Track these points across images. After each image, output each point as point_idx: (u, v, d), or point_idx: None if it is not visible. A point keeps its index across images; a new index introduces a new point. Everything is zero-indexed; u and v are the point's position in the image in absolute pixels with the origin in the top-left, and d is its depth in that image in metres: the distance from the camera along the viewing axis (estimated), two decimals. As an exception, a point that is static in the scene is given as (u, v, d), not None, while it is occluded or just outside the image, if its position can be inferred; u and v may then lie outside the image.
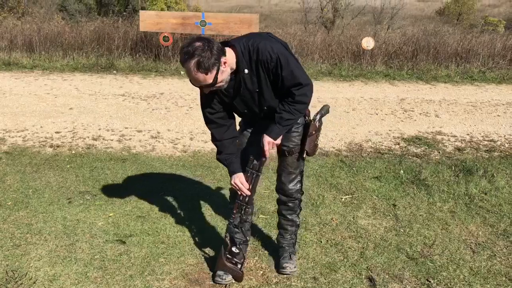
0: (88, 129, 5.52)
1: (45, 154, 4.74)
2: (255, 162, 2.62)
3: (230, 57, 2.32)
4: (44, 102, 6.56)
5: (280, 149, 2.71)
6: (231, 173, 2.64)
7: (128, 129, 5.56)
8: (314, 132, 2.66)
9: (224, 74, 2.30)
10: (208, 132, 5.52)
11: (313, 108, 2.72)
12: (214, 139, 2.66)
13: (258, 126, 2.67)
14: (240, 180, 2.61)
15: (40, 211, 3.52)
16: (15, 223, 3.32)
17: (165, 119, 6.02)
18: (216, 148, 2.67)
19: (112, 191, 3.93)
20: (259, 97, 2.47)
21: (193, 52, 2.18)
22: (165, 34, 9.36)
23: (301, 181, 2.82)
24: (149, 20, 9.51)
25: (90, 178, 4.19)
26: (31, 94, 6.97)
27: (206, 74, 2.22)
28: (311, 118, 2.68)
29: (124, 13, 16.42)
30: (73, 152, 4.83)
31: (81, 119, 5.86)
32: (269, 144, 2.53)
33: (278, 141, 2.58)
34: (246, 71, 2.37)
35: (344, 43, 10.64)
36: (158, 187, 4.05)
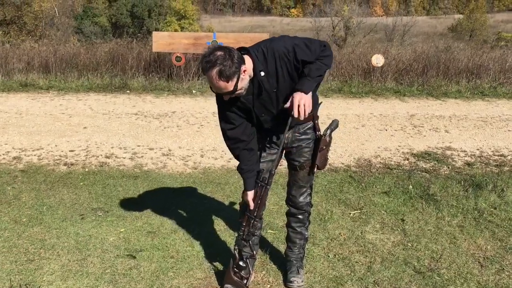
0: (101, 147, 5.64)
1: (59, 172, 4.86)
2: (264, 175, 2.70)
3: (248, 64, 2.41)
4: (59, 121, 6.72)
5: (291, 164, 2.79)
6: (245, 189, 2.71)
7: (140, 147, 5.66)
8: (324, 147, 2.72)
9: (244, 82, 2.39)
10: (219, 148, 5.62)
11: (323, 124, 2.78)
12: (234, 154, 2.72)
13: (269, 140, 2.74)
14: (251, 196, 2.69)
15: (53, 227, 3.60)
16: (29, 239, 3.41)
17: (177, 136, 6.12)
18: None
19: (123, 207, 4.01)
20: (277, 95, 2.53)
21: (215, 61, 2.27)
22: (178, 54, 9.54)
23: (310, 194, 2.88)
24: (161, 41, 9.71)
25: (102, 195, 4.28)
26: (46, 114, 7.14)
27: (227, 82, 2.31)
28: (322, 133, 2.74)
29: (139, 34, 16.78)
30: (87, 170, 4.94)
31: (95, 137, 5.99)
32: (301, 100, 2.40)
33: (309, 97, 2.46)
34: (262, 73, 2.45)
35: (354, 60, 10.71)
36: (168, 203, 4.12)
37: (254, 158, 2.70)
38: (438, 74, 10.23)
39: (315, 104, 2.76)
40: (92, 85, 9.39)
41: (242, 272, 2.80)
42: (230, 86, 2.34)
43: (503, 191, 4.40)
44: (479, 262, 3.22)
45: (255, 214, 2.73)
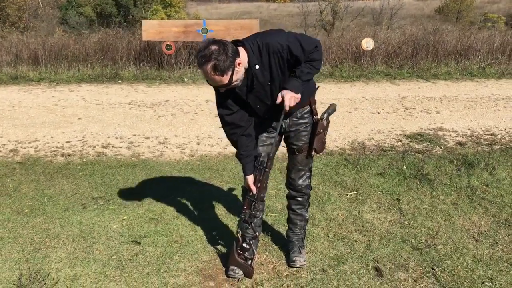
0: (97, 137, 5.66)
1: (57, 163, 4.88)
2: (263, 159, 2.76)
3: (243, 57, 2.46)
4: (53, 113, 6.72)
5: (290, 148, 2.86)
6: (244, 174, 2.77)
7: (136, 136, 5.70)
8: (322, 130, 2.80)
9: (239, 74, 2.45)
10: (214, 135, 5.67)
11: (320, 107, 2.85)
12: (232, 140, 2.77)
13: (267, 125, 2.80)
14: (251, 180, 2.75)
15: (56, 217, 3.65)
16: (33, 229, 3.46)
17: (172, 125, 6.16)
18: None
19: (124, 195, 4.06)
20: (271, 88, 2.60)
21: (210, 56, 2.32)
22: (168, 43, 9.52)
23: (309, 177, 2.96)
24: (151, 29, 9.67)
25: (102, 184, 4.32)
26: (39, 106, 7.13)
27: (222, 76, 2.37)
28: (319, 117, 2.81)
29: (125, 23, 16.62)
30: (84, 160, 4.97)
31: (90, 128, 6.01)
32: (291, 99, 2.54)
33: (298, 96, 2.59)
34: (257, 66, 2.50)
35: (344, 44, 10.76)
36: (168, 190, 4.17)
37: (252, 143, 2.76)
38: (428, 56, 10.32)
39: (312, 91, 2.83)
40: (83, 76, 9.36)
41: (246, 253, 2.87)
42: (225, 79, 2.40)
43: (494, 169, 4.51)
44: (473, 237, 3.33)
45: (255, 197, 2.80)
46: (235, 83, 2.46)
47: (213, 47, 2.34)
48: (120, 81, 9.02)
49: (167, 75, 9.36)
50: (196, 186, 4.30)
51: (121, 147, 5.35)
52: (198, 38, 9.64)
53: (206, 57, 2.33)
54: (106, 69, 9.62)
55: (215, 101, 2.74)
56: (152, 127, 6.06)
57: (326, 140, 2.95)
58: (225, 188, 4.25)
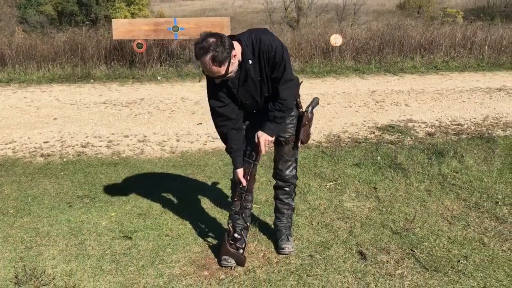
0: (75, 137, 5.66)
1: (37, 164, 4.88)
2: (252, 153, 2.89)
3: (237, 50, 2.58)
4: (27, 114, 6.65)
5: (277, 140, 2.99)
6: (234, 167, 2.89)
7: (114, 135, 5.73)
8: (307, 122, 2.95)
9: (234, 66, 2.57)
10: (193, 132, 5.74)
11: (304, 101, 3.00)
12: (221, 133, 2.86)
13: (255, 119, 2.92)
14: (240, 173, 2.87)
15: (43, 216, 3.68)
16: (22, 228, 3.48)
17: (150, 123, 6.20)
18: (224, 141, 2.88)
19: (109, 193, 4.11)
20: (261, 85, 2.73)
21: (208, 48, 2.43)
22: (139, 41, 9.51)
23: (296, 168, 3.10)
24: (122, 28, 9.62)
25: (85, 183, 4.36)
26: (12, 107, 7.04)
27: (220, 66, 2.48)
28: (304, 110, 2.95)
29: (87, 22, 16.38)
30: (65, 160, 4.98)
31: (67, 128, 5.99)
32: (265, 142, 2.78)
33: (272, 138, 2.84)
34: (250, 61, 2.63)
35: (313, 41, 10.98)
36: (152, 186, 4.25)
37: (242, 137, 2.88)
38: (394, 51, 10.67)
39: (296, 85, 2.98)
40: (54, 76, 9.25)
41: (238, 243, 3.00)
42: (222, 70, 2.51)
43: (462, 157, 4.78)
44: (447, 220, 3.56)
45: (246, 189, 2.92)
46: (230, 74, 2.57)
47: (211, 40, 2.45)
48: (92, 81, 8.96)
49: (140, 73, 9.37)
50: (179, 182, 4.39)
51: (100, 146, 5.37)
52: (169, 36, 9.67)
53: (205, 48, 2.44)
54: (77, 69, 9.54)
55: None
56: (130, 126, 6.09)
57: (311, 131, 3.11)
58: (209, 182, 4.36)
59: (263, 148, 2.78)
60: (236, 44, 2.59)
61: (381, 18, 21.03)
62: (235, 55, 2.55)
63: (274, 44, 2.62)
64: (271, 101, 2.78)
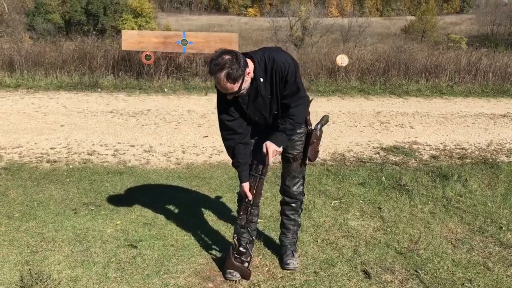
0: (82, 144, 5.70)
1: (43, 169, 4.90)
2: (259, 166, 2.91)
3: (250, 68, 2.63)
4: (34, 120, 6.70)
5: (284, 156, 3.02)
6: (240, 181, 2.91)
7: (121, 144, 5.76)
8: (315, 140, 2.99)
9: (247, 83, 2.62)
10: (199, 145, 5.78)
11: (313, 119, 3.04)
12: (228, 146, 2.88)
13: (263, 135, 2.95)
14: (247, 187, 2.89)
15: (49, 221, 3.69)
16: (27, 233, 3.49)
17: (156, 134, 6.24)
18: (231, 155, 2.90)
19: (115, 201, 4.13)
20: (271, 102, 2.77)
21: (224, 64, 2.48)
22: (147, 53, 9.60)
23: (303, 184, 3.13)
24: (131, 39, 9.73)
25: (91, 190, 4.38)
26: (19, 112, 7.09)
27: (234, 83, 2.52)
28: (313, 127, 2.99)
29: (94, 32, 16.57)
30: (71, 166, 5.00)
31: (74, 135, 6.03)
32: (273, 152, 2.80)
33: (280, 149, 2.86)
34: (261, 79, 2.68)
35: (319, 60, 11.09)
36: (158, 197, 4.27)
37: (249, 152, 2.91)
38: (399, 74, 10.75)
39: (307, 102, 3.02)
40: (62, 83, 9.33)
41: (243, 257, 3.01)
42: (235, 87, 2.56)
43: (466, 181, 4.80)
44: (451, 243, 3.57)
45: (252, 203, 2.95)
46: (242, 91, 2.62)
47: (227, 57, 2.50)
48: (99, 90, 9.03)
49: (147, 84, 9.44)
50: (184, 193, 4.41)
51: (106, 155, 5.40)
52: (178, 49, 9.77)
53: (220, 65, 2.48)
54: (85, 77, 9.62)
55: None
56: (137, 136, 6.13)
57: (319, 149, 3.14)
58: (213, 195, 4.37)
59: (270, 158, 2.79)
60: (249, 62, 2.64)
61: (385, 41, 21.26)
62: (248, 73, 2.60)
63: (287, 63, 2.67)
64: (282, 116, 2.82)
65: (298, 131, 2.98)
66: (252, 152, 2.95)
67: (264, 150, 2.80)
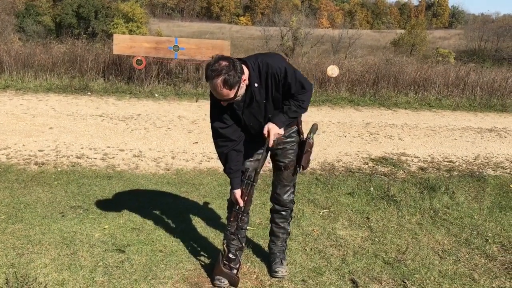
0: (70, 147, 5.65)
1: (30, 171, 4.85)
2: (250, 173, 2.92)
3: (246, 74, 2.64)
4: (22, 121, 6.64)
5: (276, 164, 3.03)
6: (232, 188, 2.90)
7: (110, 148, 5.73)
8: (309, 149, 3.00)
9: (242, 90, 2.63)
10: (189, 151, 5.76)
11: (304, 128, 3.06)
12: (221, 153, 2.87)
13: (255, 143, 2.96)
14: (238, 194, 2.89)
15: (35, 224, 3.65)
16: (13, 235, 3.45)
17: (146, 138, 6.22)
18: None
19: (103, 205, 4.10)
20: (266, 106, 2.78)
21: (221, 71, 2.48)
22: (139, 58, 9.58)
23: (293, 192, 3.14)
24: (122, 43, 9.72)
25: (79, 194, 4.34)
26: (8, 113, 7.02)
27: (230, 90, 2.53)
28: (306, 136, 3.01)
29: (84, 35, 16.51)
30: (59, 169, 4.96)
31: (63, 138, 5.99)
32: (275, 134, 2.77)
33: (282, 131, 2.83)
34: (256, 84, 2.69)
35: (310, 70, 11.15)
36: (146, 202, 4.24)
37: (241, 159, 2.91)
38: (388, 86, 10.85)
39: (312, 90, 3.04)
40: (51, 85, 9.26)
41: (232, 263, 3.00)
42: (231, 93, 2.56)
43: (454, 193, 4.85)
44: (438, 254, 3.60)
45: (242, 210, 2.95)
46: (237, 98, 2.62)
47: (224, 63, 2.50)
48: (89, 93, 8.98)
49: (137, 89, 9.41)
50: (173, 199, 4.39)
51: (95, 158, 5.37)
52: (169, 55, 9.77)
53: (217, 71, 2.49)
54: (75, 80, 9.57)
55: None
56: (126, 140, 6.10)
57: (311, 158, 3.16)
58: (202, 202, 4.37)
59: (271, 141, 2.76)
60: (244, 68, 2.65)
61: (375, 53, 21.47)
62: (244, 80, 2.61)
63: (282, 66, 2.69)
64: (288, 99, 2.82)
65: (290, 139, 3.00)
66: (244, 159, 2.96)
67: (265, 131, 2.77)
